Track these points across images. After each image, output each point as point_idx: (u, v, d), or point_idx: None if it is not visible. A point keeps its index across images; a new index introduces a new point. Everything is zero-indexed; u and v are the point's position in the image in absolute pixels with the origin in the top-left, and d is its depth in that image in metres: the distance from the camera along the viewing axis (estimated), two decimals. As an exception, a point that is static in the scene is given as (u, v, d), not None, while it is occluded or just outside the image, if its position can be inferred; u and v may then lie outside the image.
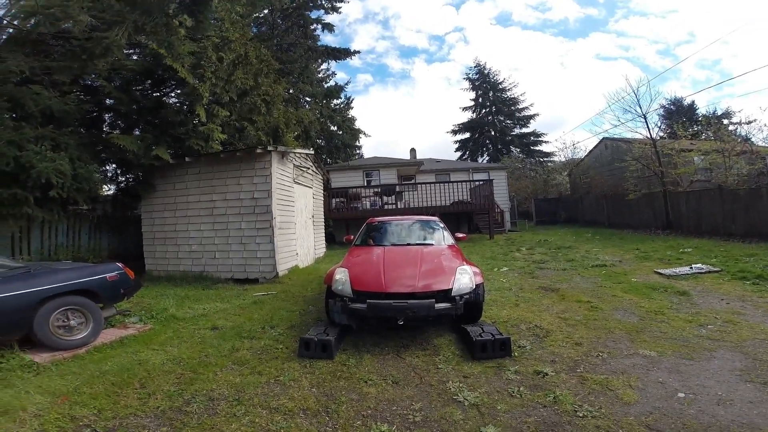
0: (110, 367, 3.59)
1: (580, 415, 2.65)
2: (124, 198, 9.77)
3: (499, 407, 2.82)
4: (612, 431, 2.45)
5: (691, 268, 7.22)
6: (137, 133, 9.18)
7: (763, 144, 15.91)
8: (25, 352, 3.77)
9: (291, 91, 19.84)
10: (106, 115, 9.73)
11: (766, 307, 4.82)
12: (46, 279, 3.99)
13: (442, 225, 6.32)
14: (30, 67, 6.75)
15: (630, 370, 3.32)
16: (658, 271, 7.34)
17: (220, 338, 4.47)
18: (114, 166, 9.49)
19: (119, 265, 4.78)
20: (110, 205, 10.14)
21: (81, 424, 2.65)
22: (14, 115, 6.79)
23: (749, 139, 16.33)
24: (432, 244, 5.64)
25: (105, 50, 7.16)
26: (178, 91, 9.86)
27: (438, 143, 76.61)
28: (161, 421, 2.71)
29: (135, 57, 9.62)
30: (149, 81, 9.61)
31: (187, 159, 8.36)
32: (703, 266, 7.24)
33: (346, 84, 28.36)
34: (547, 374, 3.30)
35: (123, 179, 9.85)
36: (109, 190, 10.67)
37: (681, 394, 2.85)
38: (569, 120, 67.70)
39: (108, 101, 9.14)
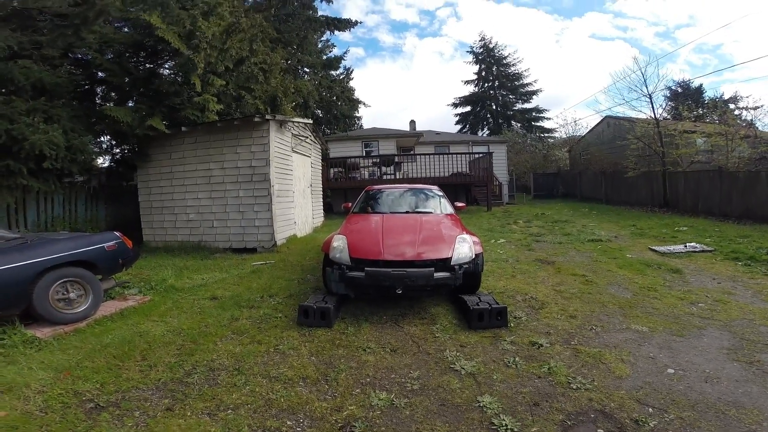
0: (111, 340, 3.60)
1: (574, 387, 2.72)
2: (120, 168, 9.73)
3: (495, 377, 2.89)
4: (604, 404, 2.52)
5: (686, 246, 7.29)
6: (131, 104, 9.06)
7: (768, 129, 15.81)
8: (26, 327, 3.76)
9: (289, 61, 19.34)
10: (99, 87, 9.59)
11: (756, 288, 4.86)
12: (43, 250, 3.90)
13: (441, 193, 6.26)
14: (18, 42, 6.65)
15: (622, 344, 3.39)
16: (653, 248, 7.41)
17: (220, 308, 4.52)
18: (108, 137, 9.40)
19: (117, 234, 4.73)
20: (106, 176, 10.12)
21: (84, 398, 2.67)
22: (3, 90, 6.73)
23: (753, 123, 16.26)
24: (431, 213, 5.59)
25: (98, 14, 6.97)
26: (172, 63, 9.62)
27: (437, 116, 75.45)
28: (163, 393, 2.75)
29: (126, 30, 9.39)
30: (143, 53, 9.41)
31: (183, 129, 8.24)
32: (697, 245, 7.30)
33: (345, 53, 27.60)
34: (542, 345, 3.37)
35: (118, 150, 9.78)
36: (104, 161, 10.66)
37: (671, 370, 2.92)
38: (569, 97, 66.77)
39: (100, 74, 8.99)
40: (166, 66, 10.07)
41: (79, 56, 8.72)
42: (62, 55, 7.78)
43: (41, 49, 7.13)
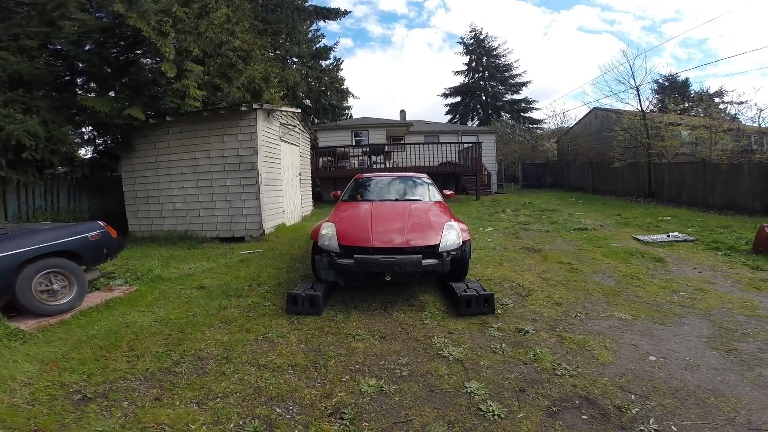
0: (97, 331, 3.55)
1: (559, 373, 2.77)
2: (104, 159, 9.53)
3: (482, 363, 2.93)
4: (588, 390, 2.57)
5: (668, 236, 7.44)
6: (112, 94, 8.86)
7: (752, 123, 16.14)
8: (10, 320, 3.69)
9: (278, 51, 19.03)
10: (80, 78, 9.35)
11: (735, 278, 4.98)
12: (25, 240, 3.81)
13: (430, 181, 6.28)
14: None
15: (606, 331, 3.46)
16: (637, 237, 7.55)
17: (207, 297, 4.48)
18: (90, 128, 9.16)
19: (101, 223, 4.63)
20: (89, 167, 9.92)
21: (71, 390, 2.64)
22: None
23: (737, 117, 16.56)
24: (420, 200, 5.62)
25: (57, 6, 6.91)
26: (152, 50, 9.37)
27: (428, 107, 75.44)
28: (151, 383, 2.73)
29: (105, 20, 9.09)
30: (122, 42, 9.14)
31: (168, 118, 8.08)
32: (680, 235, 7.46)
33: (335, 44, 27.26)
34: (528, 332, 3.43)
35: (101, 141, 9.55)
36: (87, 152, 10.44)
37: (652, 357, 2.99)
38: (558, 89, 67.20)
39: (80, 65, 8.77)
40: (149, 54, 9.80)
41: (59, 47, 8.47)
42: (40, 46, 7.60)
43: (18, 40, 6.97)
